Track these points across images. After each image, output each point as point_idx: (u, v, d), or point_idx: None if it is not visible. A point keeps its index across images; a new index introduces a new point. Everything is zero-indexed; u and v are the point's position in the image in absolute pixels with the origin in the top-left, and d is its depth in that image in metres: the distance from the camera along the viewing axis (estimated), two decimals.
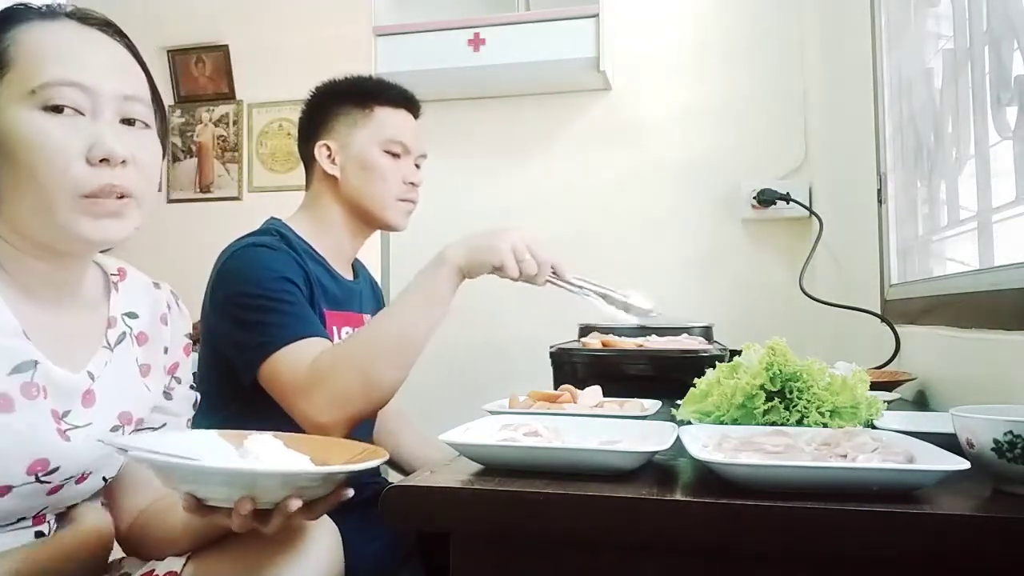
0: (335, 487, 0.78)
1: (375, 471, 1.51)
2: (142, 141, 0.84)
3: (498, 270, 1.19)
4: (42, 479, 0.80)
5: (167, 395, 0.99)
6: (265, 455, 0.77)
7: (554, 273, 1.23)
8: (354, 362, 1.12)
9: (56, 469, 0.81)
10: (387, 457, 0.81)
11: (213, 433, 0.89)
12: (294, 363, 1.14)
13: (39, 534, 0.87)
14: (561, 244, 2.23)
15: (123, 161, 0.80)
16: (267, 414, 1.11)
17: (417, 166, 1.46)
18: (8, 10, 0.83)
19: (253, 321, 1.18)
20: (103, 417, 0.87)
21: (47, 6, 0.85)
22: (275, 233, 1.32)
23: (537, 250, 1.20)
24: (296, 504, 0.73)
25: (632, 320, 1.30)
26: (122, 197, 0.81)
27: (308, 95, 1.48)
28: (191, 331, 1.05)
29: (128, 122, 0.83)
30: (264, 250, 1.26)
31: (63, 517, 0.93)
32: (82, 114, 0.80)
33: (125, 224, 0.82)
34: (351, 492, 0.79)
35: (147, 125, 0.86)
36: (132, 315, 0.95)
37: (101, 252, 0.93)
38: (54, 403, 0.82)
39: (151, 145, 0.86)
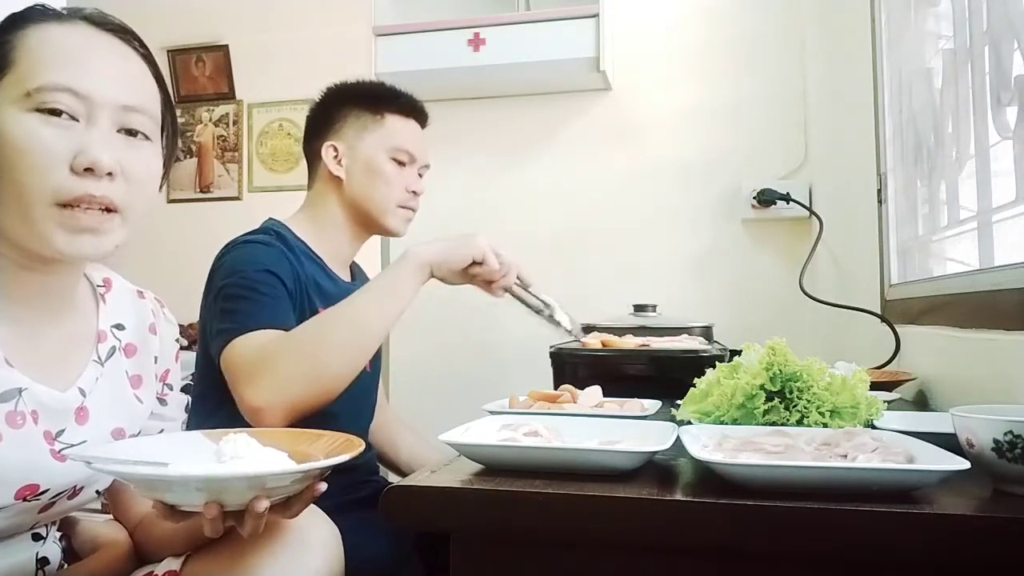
0: (308, 483, 0.76)
1: (374, 470, 1.52)
2: (139, 155, 0.81)
3: (477, 264, 1.24)
4: (31, 500, 0.79)
5: (162, 401, 0.99)
6: (239, 455, 0.75)
7: (518, 280, 1.30)
8: (301, 349, 1.10)
9: (46, 491, 0.80)
10: (360, 450, 0.79)
11: (198, 434, 0.88)
12: (246, 348, 1.12)
13: (36, 536, 0.87)
14: (560, 244, 2.24)
15: (110, 173, 0.76)
16: None
17: (420, 175, 1.47)
18: (25, 10, 0.81)
19: (226, 309, 1.18)
20: (97, 434, 0.85)
21: (66, 9, 0.82)
22: (272, 232, 1.33)
23: (505, 253, 1.27)
24: (263, 505, 0.72)
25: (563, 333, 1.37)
26: (108, 211, 0.77)
27: (319, 94, 1.48)
28: (178, 336, 1.04)
29: (128, 133, 0.80)
30: (255, 245, 1.27)
31: (66, 524, 0.93)
32: (76, 120, 0.77)
33: (103, 241, 0.78)
34: (324, 486, 0.78)
35: (148, 138, 0.82)
36: (119, 327, 0.93)
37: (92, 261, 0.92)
38: (46, 425, 0.81)
39: (148, 159, 0.83)
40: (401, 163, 1.42)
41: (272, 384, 1.07)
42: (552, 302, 1.33)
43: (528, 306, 1.33)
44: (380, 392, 1.55)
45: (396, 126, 1.43)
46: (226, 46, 3.34)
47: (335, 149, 1.41)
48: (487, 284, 1.28)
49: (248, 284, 1.19)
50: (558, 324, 1.32)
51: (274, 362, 1.08)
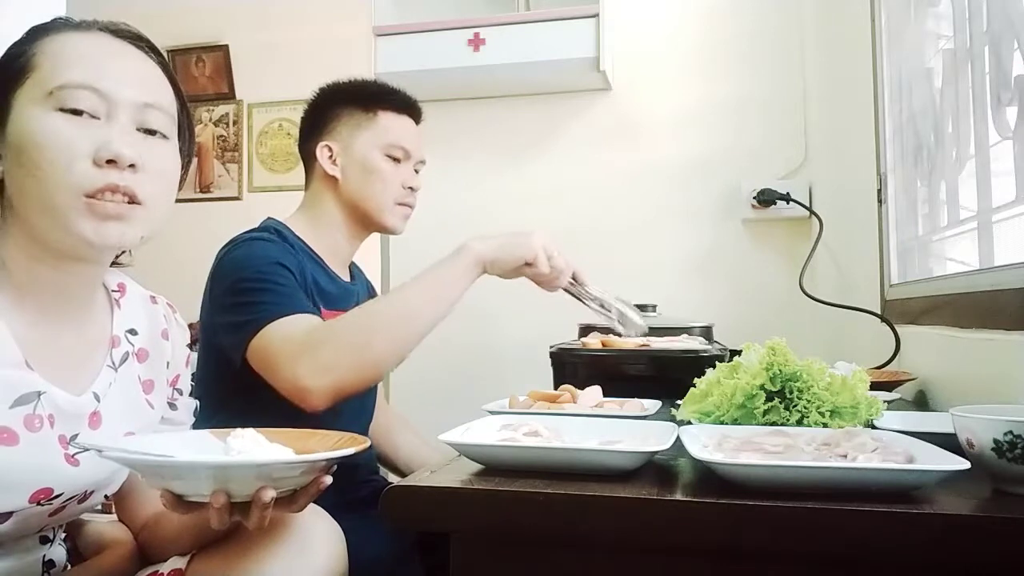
0: (314, 476, 0.77)
1: (374, 470, 1.52)
2: (158, 151, 0.83)
3: (529, 266, 1.24)
4: (43, 504, 0.80)
5: (172, 406, 1.00)
6: (245, 449, 0.76)
7: (573, 279, 1.29)
8: (351, 333, 1.12)
9: (59, 495, 0.81)
10: (366, 446, 0.79)
11: (205, 432, 0.89)
12: (286, 333, 1.13)
13: (44, 539, 0.88)
14: (560, 244, 2.23)
15: (132, 165, 0.79)
16: (265, 413, 1.10)
17: (416, 171, 1.47)
18: (45, 23, 0.84)
19: (245, 302, 1.18)
20: (109, 439, 0.86)
21: (83, 20, 0.85)
22: (273, 231, 1.33)
23: (561, 253, 1.26)
24: (270, 495, 0.72)
25: (629, 333, 1.34)
26: (131, 203, 0.79)
27: (311, 95, 1.48)
28: (189, 341, 1.05)
29: (147, 131, 0.83)
30: (261, 242, 1.28)
31: (71, 525, 0.93)
32: (97, 118, 0.79)
33: (128, 229, 0.80)
34: (329, 480, 0.78)
35: (166, 137, 0.85)
36: (133, 332, 0.94)
37: (113, 264, 0.92)
38: (61, 428, 0.81)
39: (168, 155, 0.85)
40: (396, 160, 1.42)
41: (320, 366, 1.08)
42: (616, 305, 1.32)
43: (586, 305, 1.33)
44: (379, 391, 1.56)
45: (389, 123, 1.43)
46: (226, 46, 3.34)
47: (330, 149, 1.41)
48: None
49: (264, 277, 1.19)
50: (619, 325, 1.31)
51: (323, 346, 1.10)
